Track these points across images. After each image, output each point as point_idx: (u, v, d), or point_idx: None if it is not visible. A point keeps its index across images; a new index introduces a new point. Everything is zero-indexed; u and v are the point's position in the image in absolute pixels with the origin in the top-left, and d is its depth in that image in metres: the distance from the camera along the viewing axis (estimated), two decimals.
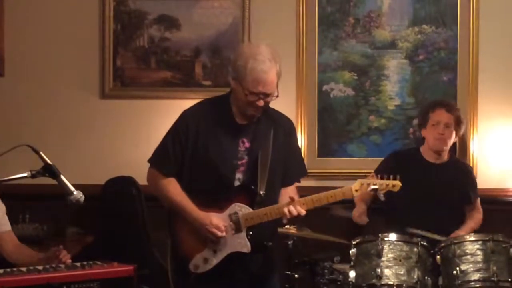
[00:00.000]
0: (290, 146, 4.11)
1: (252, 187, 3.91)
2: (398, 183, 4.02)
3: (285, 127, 4.09)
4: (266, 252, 4.03)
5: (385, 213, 5.28)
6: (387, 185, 4.01)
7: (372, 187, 3.97)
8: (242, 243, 3.90)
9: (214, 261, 3.91)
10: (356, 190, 3.98)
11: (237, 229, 3.90)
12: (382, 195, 4.02)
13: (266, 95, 3.85)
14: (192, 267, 3.93)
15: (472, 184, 5.38)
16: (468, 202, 5.31)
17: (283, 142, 4.02)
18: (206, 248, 3.92)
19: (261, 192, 3.89)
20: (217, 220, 3.88)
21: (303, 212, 3.87)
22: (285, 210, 3.85)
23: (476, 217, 5.33)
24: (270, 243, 4.02)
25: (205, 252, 3.93)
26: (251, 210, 3.90)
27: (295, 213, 3.85)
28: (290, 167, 4.09)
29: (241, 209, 3.91)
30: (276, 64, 3.85)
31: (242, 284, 3.99)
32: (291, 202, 3.87)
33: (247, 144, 3.96)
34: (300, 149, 4.30)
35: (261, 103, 3.85)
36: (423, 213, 5.09)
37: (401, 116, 5.83)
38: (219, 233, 3.87)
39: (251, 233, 3.90)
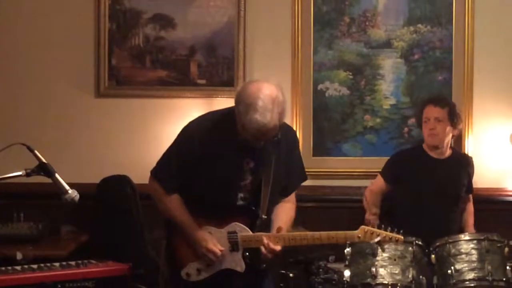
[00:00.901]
0: (292, 159, 4.05)
1: (253, 208, 3.87)
2: (401, 237, 3.89)
3: (288, 142, 4.00)
4: (259, 274, 4.01)
5: (389, 210, 5.30)
6: (390, 238, 3.88)
7: (376, 239, 3.91)
8: (236, 262, 3.88)
9: (207, 274, 3.90)
10: (359, 237, 3.88)
11: (235, 248, 3.87)
12: (383, 247, 3.96)
13: (266, 139, 3.77)
14: (184, 275, 3.91)
15: (473, 173, 5.43)
16: (470, 192, 5.37)
17: (285, 159, 3.96)
18: (201, 259, 3.90)
19: (263, 216, 3.86)
20: (213, 245, 3.85)
21: (277, 249, 3.83)
22: (264, 251, 3.82)
23: (472, 212, 5.39)
24: (264, 265, 3.97)
25: (199, 262, 3.90)
26: (250, 232, 3.87)
27: (273, 252, 3.82)
28: (291, 179, 4.05)
29: (241, 230, 3.87)
30: (278, 108, 3.69)
31: None
32: (278, 231, 3.86)
33: (251, 164, 3.89)
34: (301, 159, 4.16)
35: (260, 143, 3.78)
36: (430, 208, 5.12)
37: (396, 115, 5.83)
38: (214, 259, 3.85)
39: (247, 254, 3.87)
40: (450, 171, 5.27)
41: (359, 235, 3.86)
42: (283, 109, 3.73)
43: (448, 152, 5.34)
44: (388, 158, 5.45)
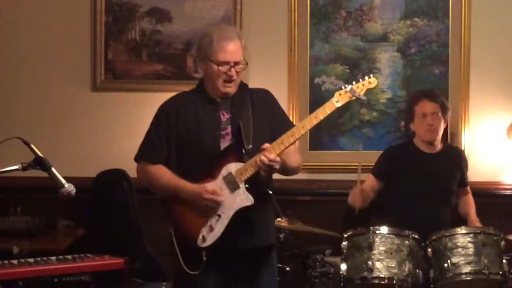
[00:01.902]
0: (273, 109, 4.12)
1: (235, 143, 3.91)
2: (373, 79, 3.94)
3: (263, 95, 4.13)
4: (267, 206, 4.03)
5: (382, 206, 5.30)
6: (363, 84, 3.94)
7: (349, 87, 3.90)
8: (243, 198, 3.86)
9: (220, 227, 3.86)
10: (337, 101, 3.91)
11: (235, 187, 3.87)
12: (362, 96, 3.93)
13: (236, 63, 3.93)
14: (201, 241, 3.87)
15: (466, 166, 5.44)
16: (465, 185, 5.38)
17: (263, 105, 4.05)
18: (210, 217, 3.88)
19: (248, 147, 3.88)
20: (211, 186, 3.86)
21: (271, 156, 3.80)
22: (258, 163, 3.82)
23: (472, 203, 5.39)
24: (269, 190, 4.02)
25: (209, 221, 3.89)
26: (242, 164, 3.89)
27: (266, 161, 3.81)
28: (282, 127, 4.03)
29: (233, 167, 3.89)
30: (240, 39, 3.98)
31: (245, 269, 3.97)
32: (261, 151, 3.84)
33: (227, 115, 3.99)
34: (286, 114, 4.28)
35: (232, 72, 3.92)
36: (423, 203, 5.12)
37: (393, 109, 5.83)
38: (217, 198, 3.85)
39: (247, 186, 3.86)
40: (442, 164, 5.27)
41: (337, 100, 3.91)
42: (244, 43, 4.01)
43: (440, 146, 5.34)
44: (379, 155, 5.45)
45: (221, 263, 3.93)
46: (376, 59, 5.85)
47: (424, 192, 5.16)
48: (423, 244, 4.71)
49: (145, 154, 4.05)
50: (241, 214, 3.87)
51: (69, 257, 4.12)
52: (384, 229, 4.67)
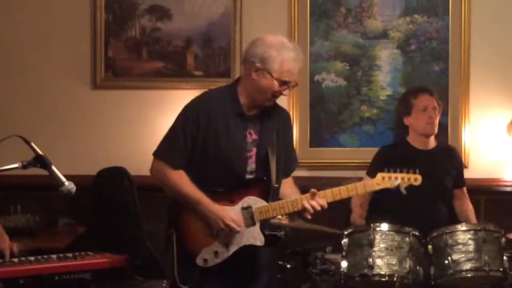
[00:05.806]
0: (287, 138, 4.11)
1: (265, 178, 3.88)
2: (419, 177, 4.02)
3: (285, 119, 4.10)
4: (278, 244, 4.03)
5: (378, 204, 5.29)
6: (408, 178, 4.00)
7: (396, 183, 3.95)
8: (255, 237, 3.86)
9: (225, 254, 3.86)
10: (378, 184, 3.96)
11: (251, 223, 3.85)
12: (403, 189, 3.99)
13: (291, 84, 3.89)
14: (201, 261, 3.86)
15: (462, 166, 5.43)
16: (461, 185, 5.36)
17: (283, 134, 4.03)
18: (217, 241, 3.86)
19: (276, 185, 3.87)
20: (234, 214, 3.83)
21: (325, 205, 3.86)
22: (307, 205, 3.84)
23: (472, 208, 5.36)
24: (282, 232, 4.02)
25: (216, 245, 3.86)
26: (265, 203, 3.86)
27: (318, 207, 3.84)
28: (289, 158, 4.09)
29: (255, 202, 3.86)
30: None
31: (240, 277, 3.96)
32: (313, 195, 3.85)
33: (254, 136, 3.93)
34: (293, 143, 4.30)
35: (287, 92, 3.90)
36: (419, 201, 5.10)
37: (393, 106, 5.81)
38: (237, 228, 3.82)
39: (262, 226, 3.86)
40: (437, 161, 5.25)
41: (378, 182, 3.96)
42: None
43: (434, 143, 5.34)
44: (373, 156, 5.43)
45: (215, 279, 3.92)
46: (376, 56, 5.85)
47: (420, 189, 5.13)
48: (423, 241, 4.70)
49: (167, 154, 3.90)
50: (247, 247, 3.88)
51: (70, 255, 4.12)
52: (384, 226, 4.67)
